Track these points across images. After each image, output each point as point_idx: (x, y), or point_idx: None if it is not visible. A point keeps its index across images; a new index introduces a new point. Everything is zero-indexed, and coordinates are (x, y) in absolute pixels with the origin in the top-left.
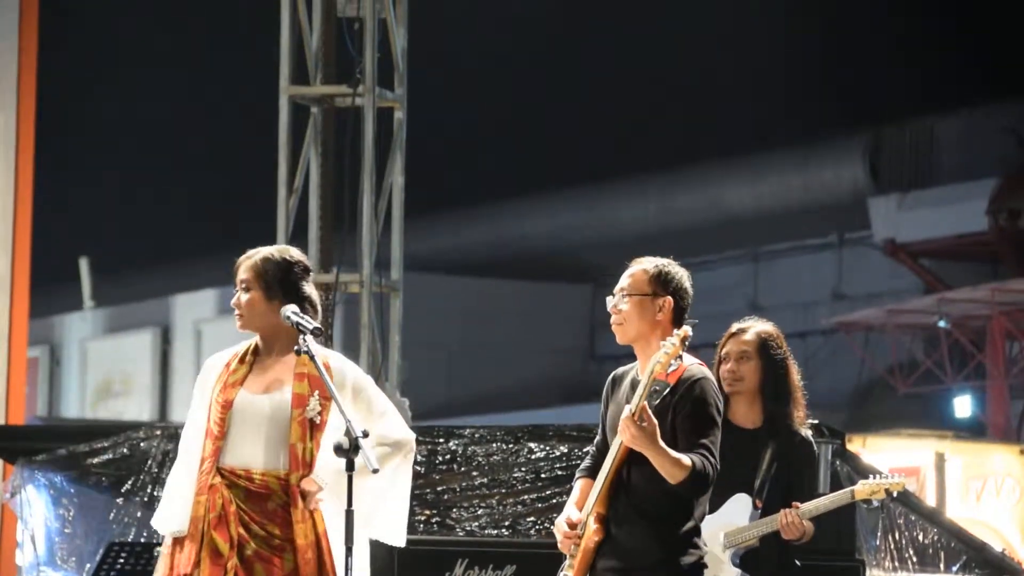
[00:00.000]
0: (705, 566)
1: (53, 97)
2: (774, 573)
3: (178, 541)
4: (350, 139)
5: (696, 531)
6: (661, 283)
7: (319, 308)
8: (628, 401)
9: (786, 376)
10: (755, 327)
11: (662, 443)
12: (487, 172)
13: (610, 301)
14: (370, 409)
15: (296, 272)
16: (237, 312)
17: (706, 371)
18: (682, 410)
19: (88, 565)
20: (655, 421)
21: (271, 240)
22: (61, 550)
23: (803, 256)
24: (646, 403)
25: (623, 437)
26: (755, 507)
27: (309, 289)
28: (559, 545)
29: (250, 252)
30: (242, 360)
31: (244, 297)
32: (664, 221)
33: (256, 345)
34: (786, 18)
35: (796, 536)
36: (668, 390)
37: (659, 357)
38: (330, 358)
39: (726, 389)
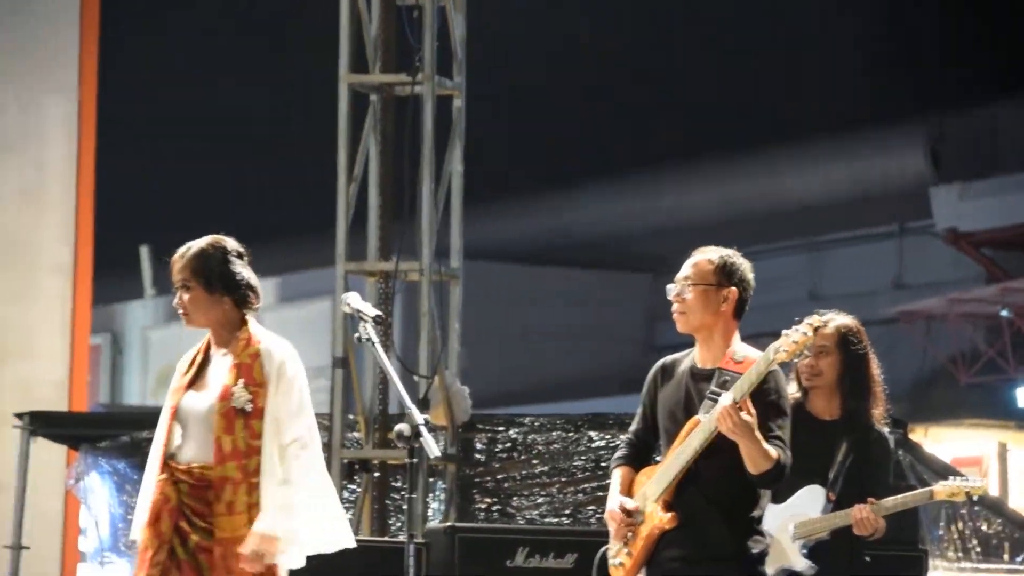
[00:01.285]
0: (767, 555)
1: (115, 84)
2: (844, 567)
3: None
4: (409, 127)
5: (760, 520)
6: (726, 274)
7: (260, 290)
8: (695, 393)
9: (865, 370)
10: (835, 321)
11: (758, 434)
12: (547, 160)
13: (671, 289)
14: (288, 405)
15: (232, 260)
16: (182, 312)
17: None
18: (755, 402)
19: None
20: (754, 411)
21: (331, 228)
22: (124, 536)
23: (864, 245)
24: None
25: (722, 426)
26: (828, 500)
27: (247, 273)
28: (613, 533)
29: (181, 250)
30: (193, 361)
31: (186, 296)
32: (724, 210)
33: (209, 341)
34: (847, 5)
35: (868, 533)
36: (736, 380)
37: (785, 345)
38: (270, 344)
39: (804, 383)
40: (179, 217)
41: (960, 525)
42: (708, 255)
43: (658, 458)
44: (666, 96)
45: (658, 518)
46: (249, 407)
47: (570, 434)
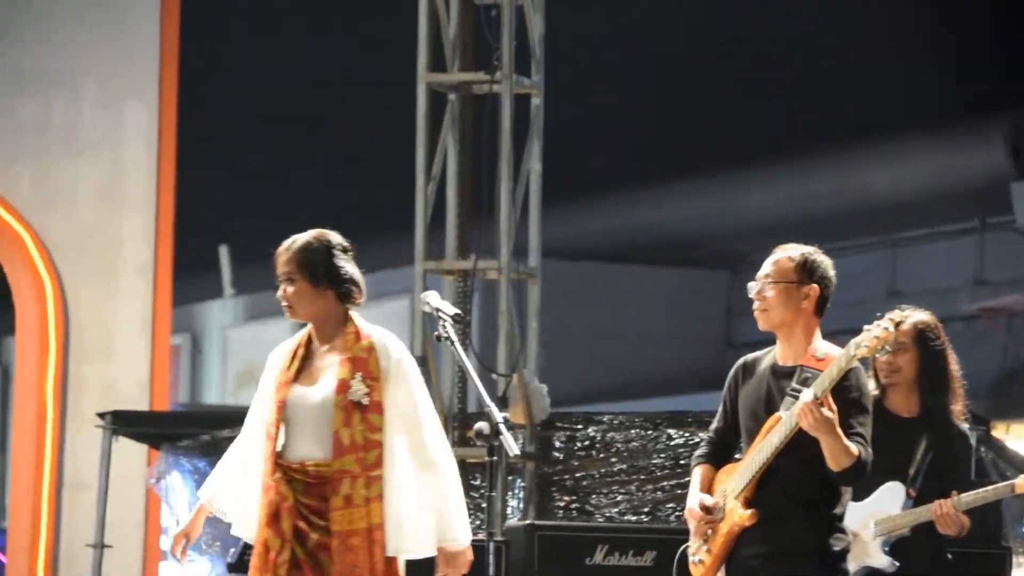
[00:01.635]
0: (848, 552)
1: (194, 86)
2: (926, 564)
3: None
4: (487, 126)
5: (842, 518)
6: (807, 271)
7: (363, 285)
8: (776, 390)
9: (944, 367)
10: (913, 317)
11: (839, 430)
12: (625, 158)
13: (752, 287)
14: (418, 400)
15: (336, 254)
16: (286, 304)
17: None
18: (836, 398)
19: (232, 550)
20: (835, 408)
21: (410, 227)
22: (205, 535)
23: (943, 242)
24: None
25: (804, 422)
26: (908, 496)
27: (351, 268)
28: (693, 530)
29: (286, 243)
30: (295, 355)
31: (290, 289)
32: (800, 207)
33: (310, 335)
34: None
35: (954, 531)
36: (817, 377)
37: (866, 340)
38: (384, 339)
39: (883, 380)
40: (258, 218)
41: None
42: (789, 252)
43: (738, 456)
44: (748, 92)
45: (738, 515)
46: (366, 400)
47: (648, 432)
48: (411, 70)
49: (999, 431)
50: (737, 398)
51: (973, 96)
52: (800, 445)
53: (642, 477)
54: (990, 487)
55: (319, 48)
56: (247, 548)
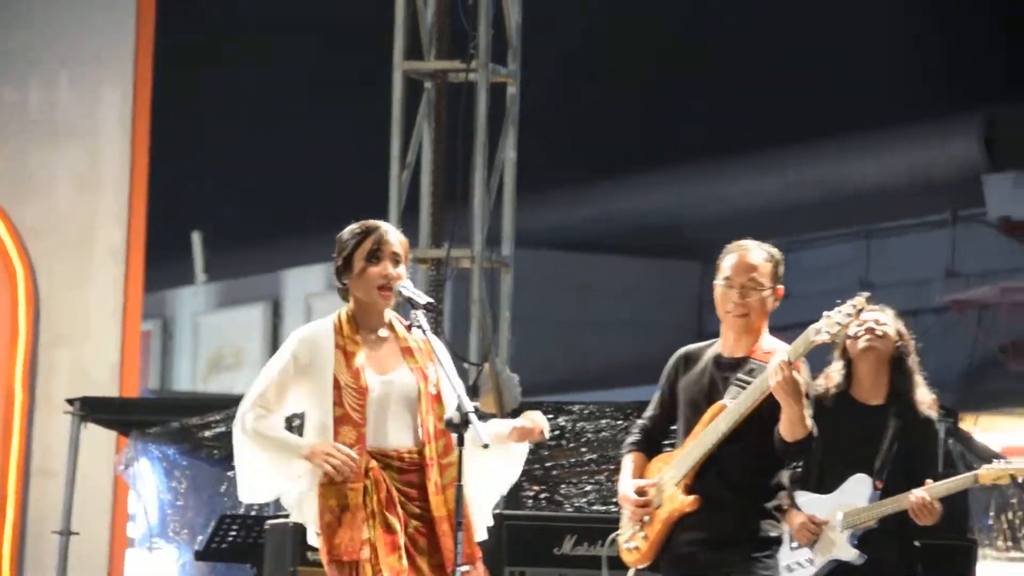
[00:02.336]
0: (781, 540)
1: (168, 70)
2: (893, 556)
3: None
4: (463, 114)
5: (779, 508)
6: (778, 273)
7: None
8: (720, 380)
9: (911, 355)
10: (887, 308)
11: (804, 398)
12: (599, 148)
13: (731, 293)
14: (451, 387)
15: None
16: (390, 286)
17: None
18: None
19: (200, 537)
20: (805, 373)
21: (384, 214)
22: (173, 522)
23: (916, 234)
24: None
25: (775, 378)
26: (875, 488)
27: None
28: (629, 516)
29: (385, 225)
30: (352, 340)
31: (400, 270)
32: (774, 198)
33: (349, 320)
34: None
35: (932, 520)
36: (763, 369)
37: (839, 318)
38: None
39: (862, 345)
40: (231, 205)
41: (1010, 515)
42: (762, 254)
43: (669, 446)
44: (720, 84)
45: (679, 501)
46: (434, 390)
47: (619, 422)
48: (387, 57)
49: (967, 423)
50: (677, 388)
51: (946, 90)
52: (743, 435)
53: (612, 467)
54: (954, 478)
55: (294, 35)
56: (214, 536)
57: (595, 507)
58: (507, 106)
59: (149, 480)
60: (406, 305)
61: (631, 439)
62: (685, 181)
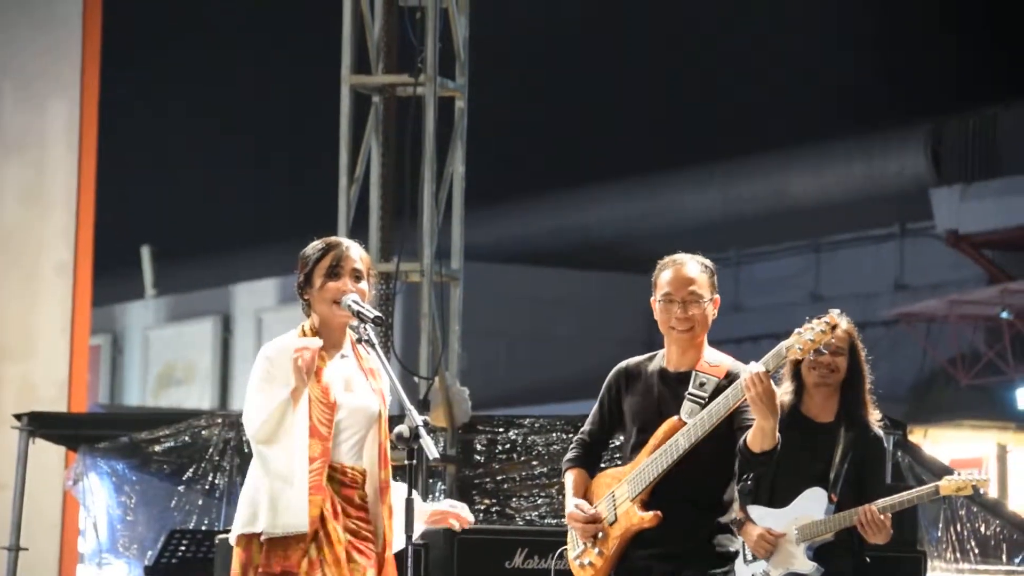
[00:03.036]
0: (737, 554)
1: (117, 85)
2: (849, 569)
3: (277, 541)
4: (411, 128)
5: (735, 522)
6: (714, 282)
7: None
8: (670, 396)
9: (863, 372)
10: (844, 321)
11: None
12: (549, 161)
13: (673, 308)
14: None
15: None
16: (360, 298)
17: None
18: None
19: (149, 552)
20: (774, 386)
21: (333, 229)
22: (123, 537)
23: (865, 246)
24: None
25: (752, 391)
26: (830, 501)
27: None
28: (580, 533)
29: (347, 241)
30: (319, 355)
31: (362, 286)
32: (725, 211)
33: (312, 335)
34: (849, 8)
35: (882, 538)
36: (717, 385)
37: (811, 336)
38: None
39: (816, 380)
40: (180, 219)
41: (959, 527)
42: (697, 265)
43: (609, 462)
44: (667, 98)
45: (638, 517)
46: (385, 413)
47: (570, 435)
48: (335, 72)
49: (916, 436)
50: (620, 404)
51: (895, 104)
52: (697, 449)
53: (562, 480)
54: (914, 490)
55: (243, 50)
56: (164, 551)
57: (546, 520)
58: (455, 120)
59: (99, 495)
60: (357, 318)
61: (570, 455)
62: (633, 195)
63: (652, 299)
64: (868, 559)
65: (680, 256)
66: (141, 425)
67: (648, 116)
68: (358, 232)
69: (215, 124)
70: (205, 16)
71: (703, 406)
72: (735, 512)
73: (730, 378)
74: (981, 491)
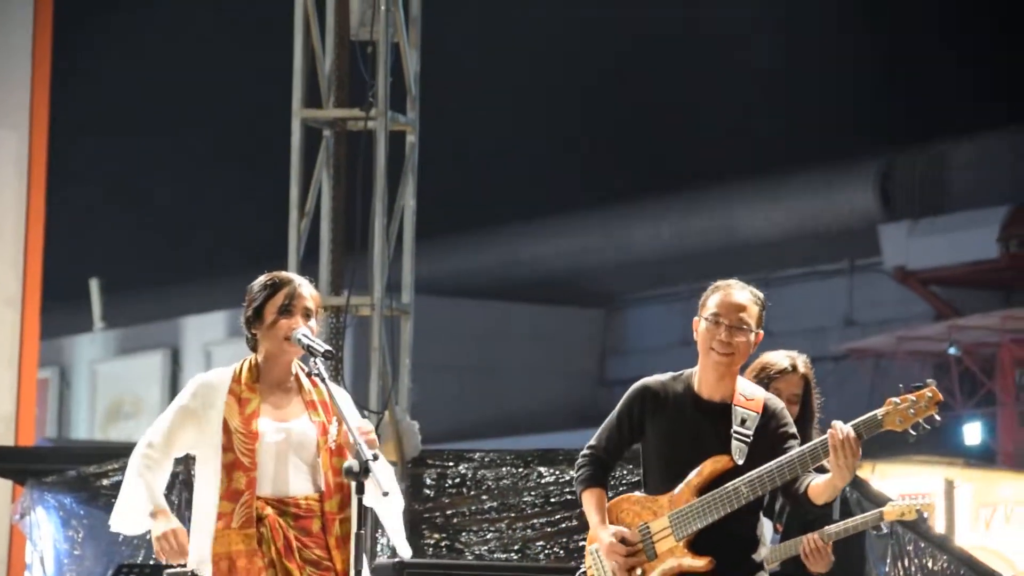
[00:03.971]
0: None
1: (66, 119)
2: None
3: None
4: (362, 162)
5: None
6: (762, 317)
7: None
8: (711, 429)
9: (814, 412)
10: (799, 361)
11: None
12: (500, 195)
13: (718, 331)
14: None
15: None
16: (312, 336)
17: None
18: (780, 433)
19: None
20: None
21: (283, 262)
22: (70, 572)
23: (814, 282)
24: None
25: (842, 454)
26: (776, 531)
27: None
28: (619, 565)
29: (298, 278)
30: (250, 388)
31: (312, 324)
32: (676, 246)
33: (251, 369)
34: (797, 45)
35: (823, 567)
36: (758, 422)
37: (911, 409)
38: (331, 383)
39: None
40: (129, 250)
41: (906, 562)
42: (750, 296)
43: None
44: (619, 133)
45: (688, 560)
46: (333, 445)
47: (519, 470)
48: (286, 105)
49: (864, 471)
50: (643, 424)
51: (844, 140)
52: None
53: (512, 515)
54: (858, 517)
55: (195, 82)
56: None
57: (496, 555)
58: (406, 154)
59: (46, 529)
60: (307, 352)
61: (586, 473)
62: (585, 229)
63: (695, 319)
64: None
65: (734, 281)
66: (89, 459)
67: (599, 151)
68: (308, 265)
69: (164, 156)
70: (156, 50)
71: (749, 444)
72: (766, 549)
73: (767, 413)
74: (925, 515)
